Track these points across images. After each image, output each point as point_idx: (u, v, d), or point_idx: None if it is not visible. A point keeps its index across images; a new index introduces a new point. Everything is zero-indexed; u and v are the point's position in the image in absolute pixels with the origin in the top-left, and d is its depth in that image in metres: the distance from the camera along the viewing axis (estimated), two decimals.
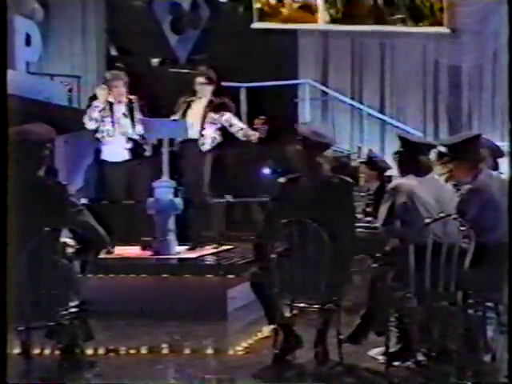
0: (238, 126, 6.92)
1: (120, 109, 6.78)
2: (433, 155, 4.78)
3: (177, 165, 6.77)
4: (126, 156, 6.77)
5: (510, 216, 3.74)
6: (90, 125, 6.79)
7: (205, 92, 6.89)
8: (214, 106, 6.86)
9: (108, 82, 6.86)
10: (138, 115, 6.76)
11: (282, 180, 4.38)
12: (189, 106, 6.87)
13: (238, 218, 9.23)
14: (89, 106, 7.01)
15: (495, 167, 4.66)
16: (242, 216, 9.21)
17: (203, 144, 6.81)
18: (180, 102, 6.92)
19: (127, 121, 6.74)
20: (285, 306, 4.31)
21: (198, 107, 6.88)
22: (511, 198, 3.86)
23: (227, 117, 6.88)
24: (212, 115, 6.83)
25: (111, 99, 6.77)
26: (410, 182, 4.23)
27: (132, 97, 6.82)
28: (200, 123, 6.79)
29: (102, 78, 11.04)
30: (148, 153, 6.78)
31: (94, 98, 7.12)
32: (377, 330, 4.32)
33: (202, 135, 6.80)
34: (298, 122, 10.35)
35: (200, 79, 6.93)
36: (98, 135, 6.81)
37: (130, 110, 6.77)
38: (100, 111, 6.70)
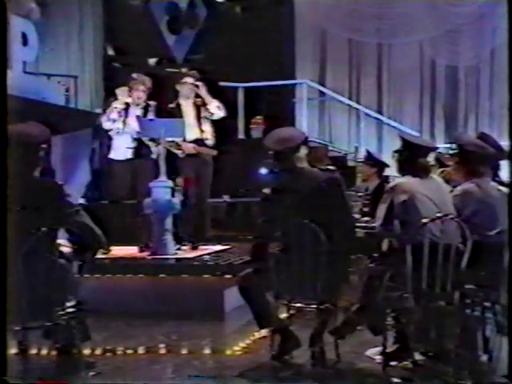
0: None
1: (135, 111, 6.86)
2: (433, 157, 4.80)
3: (182, 166, 6.83)
4: (129, 155, 6.84)
5: (510, 216, 3.74)
6: (107, 125, 6.87)
7: (190, 93, 6.94)
8: (201, 107, 6.92)
9: (131, 83, 6.92)
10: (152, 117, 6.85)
11: (266, 191, 4.37)
12: (176, 110, 6.91)
13: (236, 217, 9.23)
14: (106, 106, 7.09)
15: (496, 169, 4.68)
16: (239, 216, 9.21)
17: (207, 139, 6.90)
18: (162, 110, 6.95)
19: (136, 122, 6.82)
20: (281, 307, 4.32)
21: (187, 110, 6.92)
22: (511, 199, 3.88)
23: (211, 106, 6.92)
24: (203, 113, 6.90)
25: (129, 100, 6.85)
26: (410, 181, 4.24)
27: (151, 102, 6.90)
28: (197, 121, 6.85)
29: (99, 78, 11.11)
30: (154, 155, 6.82)
31: (108, 98, 7.22)
32: (372, 328, 4.33)
33: (202, 131, 6.87)
34: (295, 122, 10.39)
35: (190, 80, 6.98)
36: (111, 133, 6.91)
37: (145, 113, 6.85)
38: (119, 112, 6.78)
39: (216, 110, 6.93)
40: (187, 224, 6.86)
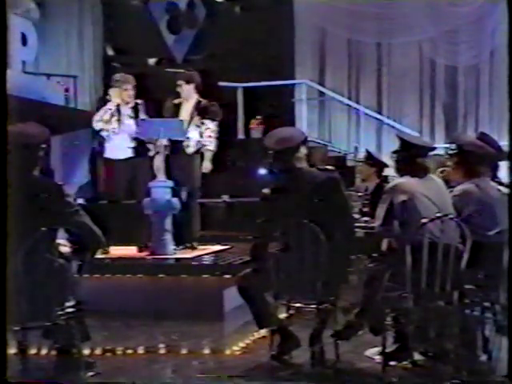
0: (210, 148, 6.87)
1: (126, 110, 6.87)
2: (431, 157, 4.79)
3: (168, 165, 6.81)
4: (130, 154, 6.86)
5: (510, 216, 3.75)
6: (99, 125, 6.86)
7: (186, 93, 6.92)
8: (200, 109, 6.87)
9: (118, 84, 6.92)
10: (143, 116, 6.86)
11: (265, 191, 4.37)
12: (179, 108, 6.90)
13: (235, 217, 9.23)
14: (98, 107, 7.06)
15: (496, 169, 4.68)
16: (239, 216, 9.21)
17: (188, 146, 6.82)
18: (166, 105, 6.95)
19: (131, 121, 6.84)
20: (281, 306, 4.32)
21: (186, 109, 6.91)
22: (511, 199, 3.88)
23: (206, 130, 6.84)
24: (197, 119, 6.84)
25: (118, 101, 6.86)
26: (409, 181, 4.24)
27: (139, 100, 6.92)
28: (186, 126, 6.78)
29: (98, 78, 11.12)
30: (151, 153, 6.85)
31: (102, 99, 7.20)
32: (372, 328, 4.33)
33: (188, 138, 6.80)
34: (295, 122, 10.40)
35: (178, 81, 6.97)
36: (103, 133, 6.88)
37: (136, 112, 6.86)
38: (112, 113, 6.79)
39: (207, 139, 6.87)
40: (177, 223, 6.80)
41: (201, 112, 6.86)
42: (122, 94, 6.86)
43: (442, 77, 11.04)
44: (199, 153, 6.86)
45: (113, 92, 6.94)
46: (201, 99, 6.95)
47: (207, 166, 6.89)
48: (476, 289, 4.13)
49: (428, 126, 11.10)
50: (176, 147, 6.79)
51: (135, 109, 6.90)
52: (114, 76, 7.17)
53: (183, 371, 4.30)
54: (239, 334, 5.09)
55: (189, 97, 6.94)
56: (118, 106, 6.87)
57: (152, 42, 11.12)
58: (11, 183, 3.37)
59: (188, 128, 6.78)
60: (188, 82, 6.94)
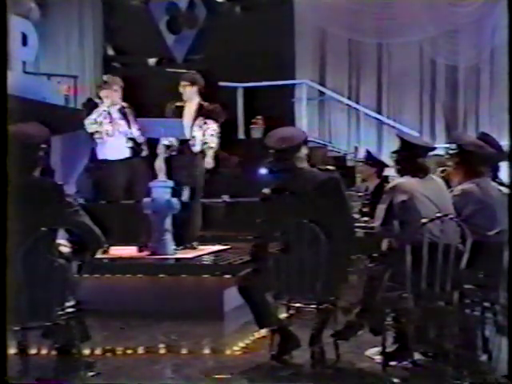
0: (211, 146, 6.90)
1: (115, 112, 6.90)
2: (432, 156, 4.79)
3: (171, 165, 6.81)
4: (128, 154, 6.88)
5: (510, 216, 3.75)
6: (93, 127, 6.88)
7: (189, 95, 6.93)
8: (203, 111, 6.89)
9: (107, 85, 6.95)
10: (131, 118, 6.88)
11: (265, 191, 4.37)
12: (182, 109, 6.91)
13: (235, 217, 9.22)
14: (89, 109, 7.09)
15: (496, 170, 4.68)
16: (239, 216, 9.21)
17: (194, 145, 6.84)
18: (168, 106, 6.96)
19: (123, 122, 6.87)
20: (281, 306, 4.32)
21: (189, 110, 6.92)
22: (511, 199, 3.88)
23: (207, 129, 6.87)
24: (200, 120, 6.86)
25: (109, 102, 6.89)
26: (409, 181, 4.24)
27: (124, 103, 6.95)
28: (190, 126, 6.81)
29: (98, 78, 11.11)
30: (144, 153, 6.88)
31: (89, 101, 7.24)
32: (372, 328, 4.33)
33: (193, 137, 6.83)
34: (295, 122, 10.40)
35: (181, 82, 6.98)
36: (96, 135, 6.90)
37: (124, 114, 6.89)
38: (105, 115, 6.82)
39: (209, 137, 6.88)
40: (177, 223, 6.81)
41: (203, 114, 6.89)
42: (112, 95, 6.90)
43: (442, 77, 11.04)
44: (203, 152, 6.90)
45: (103, 93, 6.97)
46: (202, 102, 6.96)
47: (209, 161, 6.91)
48: (476, 289, 4.13)
49: (428, 125, 11.09)
50: (182, 146, 6.82)
51: (122, 111, 6.92)
52: (102, 77, 7.22)
53: (183, 371, 4.30)
54: (239, 334, 5.09)
55: (191, 99, 6.96)
56: (108, 107, 6.90)
57: (152, 42, 11.12)
58: (12, 183, 3.37)
59: (192, 128, 6.81)
60: (192, 84, 6.95)
